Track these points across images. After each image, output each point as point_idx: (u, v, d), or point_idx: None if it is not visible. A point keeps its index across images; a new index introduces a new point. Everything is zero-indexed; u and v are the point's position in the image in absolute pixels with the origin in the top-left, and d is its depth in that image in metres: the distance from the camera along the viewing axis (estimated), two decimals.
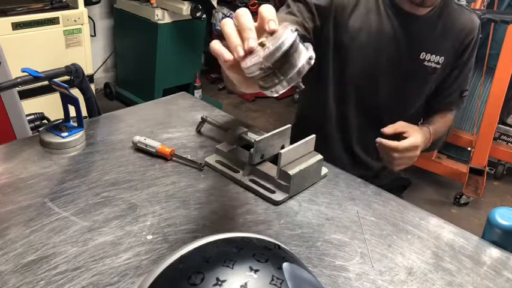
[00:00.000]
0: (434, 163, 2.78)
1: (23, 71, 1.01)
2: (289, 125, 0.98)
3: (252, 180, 0.93)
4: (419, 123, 1.34)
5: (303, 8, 1.12)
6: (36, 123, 1.48)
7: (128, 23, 3.25)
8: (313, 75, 1.24)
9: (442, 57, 1.23)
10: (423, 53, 1.22)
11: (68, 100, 1.02)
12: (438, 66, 1.24)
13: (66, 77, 1.08)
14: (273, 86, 0.59)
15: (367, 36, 1.19)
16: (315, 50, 0.60)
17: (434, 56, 1.23)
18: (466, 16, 1.25)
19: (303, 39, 1.08)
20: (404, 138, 1.13)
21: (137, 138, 1.02)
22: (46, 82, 1.02)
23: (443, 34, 1.23)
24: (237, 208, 0.87)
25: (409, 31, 1.20)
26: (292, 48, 0.57)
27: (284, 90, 0.59)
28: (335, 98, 1.28)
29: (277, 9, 0.79)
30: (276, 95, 0.60)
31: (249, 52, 0.57)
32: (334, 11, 1.16)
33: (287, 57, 0.57)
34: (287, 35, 0.57)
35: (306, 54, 0.58)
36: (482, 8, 2.52)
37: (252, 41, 0.57)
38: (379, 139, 1.12)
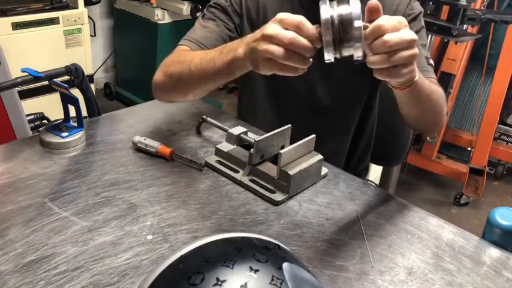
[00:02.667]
0: (434, 163, 2.78)
1: (23, 71, 1.01)
2: (289, 125, 0.98)
3: (252, 180, 0.93)
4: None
5: (218, 12, 1.10)
6: (36, 123, 1.49)
7: (128, 23, 3.24)
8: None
9: None
10: None
11: (68, 100, 1.02)
12: None
13: (66, 77, 1.08)
14: (352, 54, 0.63)
15: None
16: None
17: None
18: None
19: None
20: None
21: (137, 138, 1.01)
22: (46, 82, 1.02)
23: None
24: (237, 208, 0.87)
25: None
26: (330, 21, 0.61)
27: (359, 50, 0.63)
28: (268, 97, 1.20)
29: None
30: (360, 57, 0.64)
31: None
32: (246, 10, 1.11)
33: (336, 31, 0.61)
34: (322, 13, 0.61)
35: (347, 9, 0.61)
36: (482, 8, 2.52)
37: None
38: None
